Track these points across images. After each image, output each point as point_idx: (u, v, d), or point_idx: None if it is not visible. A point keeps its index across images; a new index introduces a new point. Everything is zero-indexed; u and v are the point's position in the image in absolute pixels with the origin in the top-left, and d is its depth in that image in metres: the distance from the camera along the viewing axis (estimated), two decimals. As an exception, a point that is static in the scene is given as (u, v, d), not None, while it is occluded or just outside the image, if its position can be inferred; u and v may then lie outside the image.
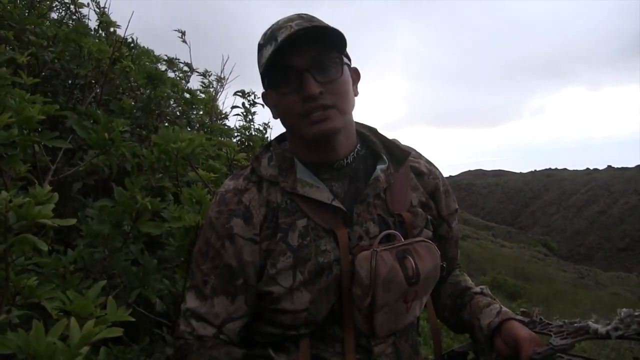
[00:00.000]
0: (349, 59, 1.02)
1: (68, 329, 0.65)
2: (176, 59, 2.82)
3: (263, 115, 3.08)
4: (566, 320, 1.05)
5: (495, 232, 36.35)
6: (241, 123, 2.77)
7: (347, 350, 0.96)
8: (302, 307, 0.95)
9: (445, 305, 1.20)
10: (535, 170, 74.12)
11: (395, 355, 1.01)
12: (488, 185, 70.34)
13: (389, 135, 1.16)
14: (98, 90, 1.97)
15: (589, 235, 48.40)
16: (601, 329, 0.96)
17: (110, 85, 2.11)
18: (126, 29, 2.25)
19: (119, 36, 2.32)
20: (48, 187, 0.89)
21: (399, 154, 1.08)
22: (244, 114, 2.76)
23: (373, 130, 1.12)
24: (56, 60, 1.91)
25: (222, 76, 3.08)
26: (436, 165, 1.16)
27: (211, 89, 2.99)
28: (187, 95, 2.52)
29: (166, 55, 2.76)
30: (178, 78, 2.78)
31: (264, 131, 2.80)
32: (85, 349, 0.63)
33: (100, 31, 2.35)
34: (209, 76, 3.01)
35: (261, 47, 0.99)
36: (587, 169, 66.53)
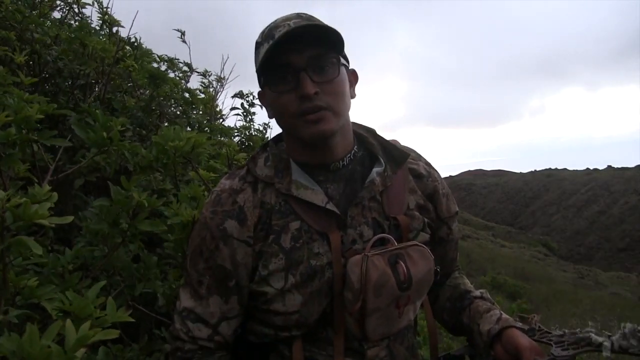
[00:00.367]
0: (347, 60, 1.01)
1: (65, 330, 0.65)
2: (176, 58, 2.82)
3: (263, 115, 3.08)
4: (566, 330, 1.05)
5: (495, 232, 36.34)
6: (241, 123, 2.78)
7: (336, 353, 0.96)
8: (293, 309, 0.95)
9: (443, 307, 1.19)
10: (535, 170, 74.12)
11: (389, 358, 1.00)
12: (488, 185, 70.34)
13: (389, 135, 1.15)
14: (99, 90, 1.97)
15: (589, 235, 48.41)
16: (605, 342, 0.95)
17: (112, 85, 2.11)
18: (130, 28, 2.26)
19: (121, 36, 2.32)
20: (47, 187, 0.89)
21: (398, 156, 1.07)
22: (244, 114, 2.77)
23: (371, 132, 1.11)
24: (59, 60, 1.91)
25: (222, 76, 3.08)
26: (435, 168, 1.15)
27: (211, 89, 2.99)
28: (187, 95, 2.52)
29: (166, 55, 2.76)
30: (178, 78, 2.78)
31: (264, 131, 2.81)
32: (82, 352, 0.63)
33: (102, 30, 2.35)
34: (209, 76, 3.01)
35: (258, 45, 0.98)
36: (587, 169, 66.53)
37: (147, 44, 2.59)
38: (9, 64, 1.72)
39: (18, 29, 1.80)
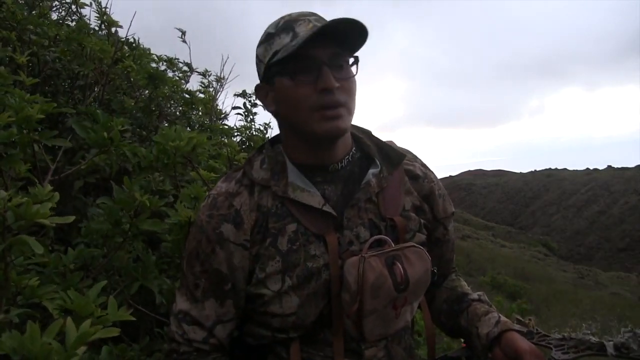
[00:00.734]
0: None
1: (65, 328, 0.65)
2: (176, 58, 2.82)
3: (264, 115, 3.08)
4: (566, 335, 1.05)
5: (495, 232, 36.33)
6: (242, 123, 2.78)
7: (336, 354, 0.96)
8: (290, 311, 0.95)
9: (440, 309, 1.19)
10: (535, 170, 74.09)
11: (387, 358, 1.01)
12: (488, 185, 70.32)
13: (388, 135, 1.15)
14: (98, 90, 1.97)
15: (589, 235, 48.40)
16: (605, 346, 0.96)
17: (111, 86, 2.11)
18: (128, 29, 2.26)
19: (120, 37, 2.32)
20: (49, 187, 0.89)
21: (394, 157, 1.07)
22: (245, 114, 2.77)
23: (367, 133, 1.11)
24: (57, 60, 1.91)
25: (222, 76, 3.08)
26: (431, 169, 1.15)
27: (211, 89, 2.99)
28: (187, 96, 2.52)
29: (166, 56, 2.76)
30: (177, 78, 2.78)
31: (265, 131, 2.81)
32: (82, 349, 0.63)
33: (100, 31, 2.35)
34: (209, 76, 3.01)
35: (272, 35, 0.96)
36: (587, 169, 66.51)
37: (145, 43, 2.60)
38: (8, 64, 1.73)
39: (17, 29, 1.80)
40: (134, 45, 2.38)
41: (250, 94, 2.78)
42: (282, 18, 0.97)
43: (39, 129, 1.29)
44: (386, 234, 0.99)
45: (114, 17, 2.30)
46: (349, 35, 0.93)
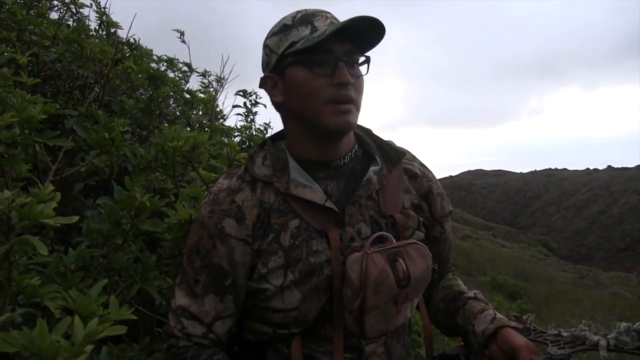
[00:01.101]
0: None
1: (71, 328, 0.66)
2: (175, 58, 2.82)
3: (264, 115, 3.08)
4: (562, 330, 1.06)
5: (495, 232, 36.33)
6: (242, 123, 2.78)
7: (335, 350, 0.96)
8: (292, 306, 0.95)
9: (437, 308, 1.20)
10: (535, 170, 74.11)
11: (386, 355, 1.01)
12: (488, 185, 70.32)
13: (387, 136, 1.17)
14: (98, 91, 1.97)
15: (589, 235, 48.40)
16: (601, 341, 0.97)
17: (111, 86, 2.12)
18: (128, 30, 2.26)
19: (120, 37, 2.33)
20: (50, 187, 0.89)
21: (394, 155, 1.08)
22: (246, 113, 2.77)
23: (367, 131, 1.12)
24: (57, 61, 1.92)
25: (222, 76, 3.09)
26: (430, 168, 1.17)
27: (211, 89, 2.99)
28: (187, 96, 2.52)
29: (166, 56, 2.76)
30: (177, 78, 2.79)
31: (265, 131, 2.81)
32: (90, 347, 0.64)
33: (100, 32, 2.36)
34: (209, 76, 3.02)
35: (289, 27, 0.97)
36: (587, 169, 66.54)
37: (145, 44, 2.60)
38: (8, 64, 1.73)
39: (17, 29, 1.81)
40: (134, 45, 2.38)
41: (250, 93, 2.78)
42: (298, 12, 0.99)
43: (40, 129, 1.30)
44: (387, 230, 1.00)
45: (113, 17, 2.30)
46: (366, 34, 0.95)
